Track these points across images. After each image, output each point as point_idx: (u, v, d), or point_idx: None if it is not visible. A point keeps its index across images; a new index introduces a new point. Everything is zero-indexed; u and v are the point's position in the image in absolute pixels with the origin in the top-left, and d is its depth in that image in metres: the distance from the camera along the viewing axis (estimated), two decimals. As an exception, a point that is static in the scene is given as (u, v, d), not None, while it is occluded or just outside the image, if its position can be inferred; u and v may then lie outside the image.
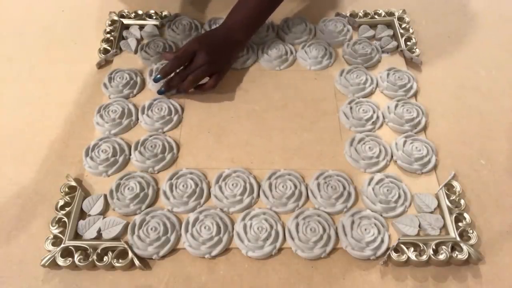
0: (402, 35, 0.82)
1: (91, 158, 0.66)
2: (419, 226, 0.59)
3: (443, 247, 0.56)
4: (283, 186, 0.62)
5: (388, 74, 0.76)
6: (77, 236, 0.59)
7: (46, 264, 0.56)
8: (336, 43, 0.82)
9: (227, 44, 0.74)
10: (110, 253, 0.57)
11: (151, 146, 0.67)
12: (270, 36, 0.82)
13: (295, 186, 0.63)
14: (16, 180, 0.65)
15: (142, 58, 0.80)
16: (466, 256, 0.56)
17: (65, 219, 0.59)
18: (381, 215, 0.61)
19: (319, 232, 0.58)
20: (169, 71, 0.71)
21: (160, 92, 0.72)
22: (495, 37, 0.84)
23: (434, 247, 0.56)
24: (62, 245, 0.57)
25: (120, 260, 0.56)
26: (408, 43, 0.81)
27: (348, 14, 0.87)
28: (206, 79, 0.74)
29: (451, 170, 0.65)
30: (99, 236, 0.59)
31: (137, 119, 0.72)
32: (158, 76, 0.70)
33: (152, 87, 0.75)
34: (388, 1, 0.90)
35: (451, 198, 0.61)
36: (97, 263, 0.56)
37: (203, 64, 0.70)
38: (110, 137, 0.68)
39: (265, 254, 0.57)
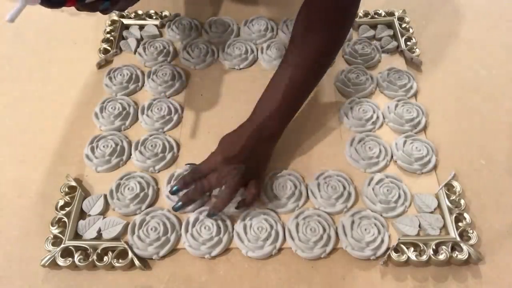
0: (402, 35, 0.82)
1: (91, 159, 0.66)
2: (419, 226, 0.59)
3: (443, 247, 0.56)
4: (283, 186, 0.62)
5: (388, 74, 0.76)
6: (77, 236, 0.59)
7: (46, 264, 0.56)
8: (336, 43, 0.82)
9: (259, 146, 0.61)
10: (110, 253, 0.57)
11: (151, 146, 0.67)
12: (270, 36, 0.82)
13: (295, 186, 0.62)
14: (16, 180, 0.65)
15: (142, 58, 0.79)
16: (466, 256, 0.56)
17: (65, 219, 0.59)
18: (381, 215, 0.60)
19: (319, 232, 0.58)
20: (191, 198, 0.60)
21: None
22: (495, 37, 0.84)
23: (434, 247, 0.56)
24: (62, 245, 0.57)
25: (120, 260, 0.56)
26: (408, 43, 0.81)
27: (348, 14, 0.86)
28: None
29: (451, 170, 0.64)
30: (99, 236, 0.59)
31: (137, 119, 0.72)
32: (176, 188, 0.59)
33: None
34: (388, 1, 0.90)
35: (451, 198, 0.61)
36: (97, 263, 0.56)
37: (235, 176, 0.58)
38: (108, 136, 0.68)
39: (265, 254, 0.57)
